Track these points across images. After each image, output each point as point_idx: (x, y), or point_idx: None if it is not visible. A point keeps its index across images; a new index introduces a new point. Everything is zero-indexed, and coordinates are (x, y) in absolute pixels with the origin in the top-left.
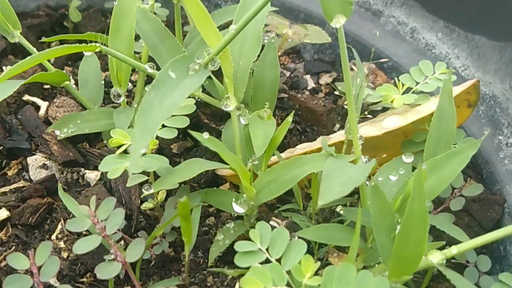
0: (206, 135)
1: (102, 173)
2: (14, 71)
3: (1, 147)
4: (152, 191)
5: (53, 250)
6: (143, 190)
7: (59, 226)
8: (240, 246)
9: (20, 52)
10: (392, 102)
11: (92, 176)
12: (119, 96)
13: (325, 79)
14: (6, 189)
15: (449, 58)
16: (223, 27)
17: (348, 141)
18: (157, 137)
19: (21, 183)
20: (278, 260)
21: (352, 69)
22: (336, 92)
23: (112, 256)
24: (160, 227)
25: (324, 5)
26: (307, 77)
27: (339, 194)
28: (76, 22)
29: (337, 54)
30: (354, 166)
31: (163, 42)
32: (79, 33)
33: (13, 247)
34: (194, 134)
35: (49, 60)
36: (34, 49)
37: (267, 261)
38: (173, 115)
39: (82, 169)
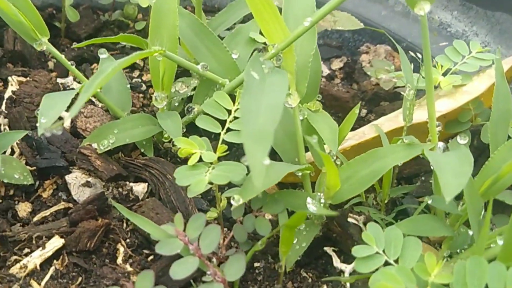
0: (314, 139)
1: (148, 185)
2: (100, 83)
3: (34, 168)
4: (242, 201)
5: (122, 275)
6: (232, 202)
7: (121, 249)
8: (358, 251)
9: (19, 59)
10: (439, 84)
11: (139, 189)
12: (163, 100)
13: (337, 64)
14: (46, 213)
15: (466, 36)
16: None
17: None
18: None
19: (61, 205)
20: (396, 261)
21: (367, 52)
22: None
23: (211, 277)
24: (262, 241)
25: None
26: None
27: (459, 187)
28: (68, 22)
29: (344, 38)
30: (457, 157)
31: (201, 39)
32: (73, 33)
33: (75, 278)
34: (307, 139)
35: (48, 66)
36: (62, 56)
37: (386, 263)
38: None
39: (127, 183)
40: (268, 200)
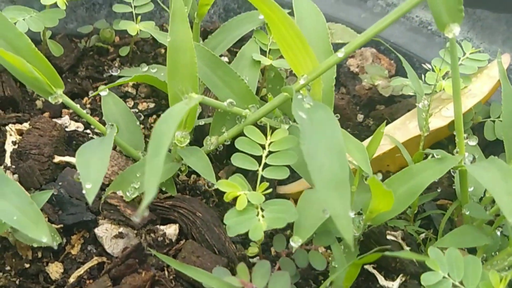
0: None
1: (179, 225)
2: (167, 144)
3: (60, 225)
4: (301, 242)
5: None
6: (291, 243)
7: None
8: (427, 279)
9: (9, 105)
10: (443, 89)
11: (171, 231)
12: (186, 138)
13: None
14: (80, 271)
15: None
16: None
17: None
18: None
19: (95, 260)
20: (461, 283)
21: (353, 56)
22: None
23: None
24: (330, 278)
25: (437, 15)
26: None
27: None
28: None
29: None
30: (498, 171)
31: (213, 69)
32: (54, 66)
33: None
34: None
35: (36, 106)
36: (78, 106)
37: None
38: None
39: (158, 226)
40: (318, 232)
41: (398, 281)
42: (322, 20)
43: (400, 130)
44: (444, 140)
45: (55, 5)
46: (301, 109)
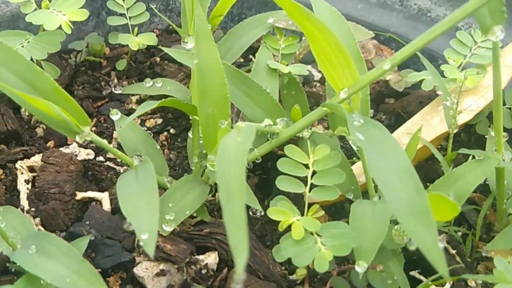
0: None
1: (218, 252)
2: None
3: (98, 270)
4: (366, 266)
5: None
6: (357, 269)
7: None
8: None
9: (12, 139)
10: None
11: (211, 260)
12: None
13: None
14: None
15: None
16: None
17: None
18: None
19: None
20: None
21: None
22: None
23: None
24: None
25: (480, 19)
26: (309, 67)
27: None
28: None
29: None
30: None
31: (236, 84)
32: None
33: None
34: None
35: (37, 134)
36: (105, 141)
37: None
38: None
39: (197, 257)
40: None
41: (448, 285)
42: (345, 26)
43: (423, 127)
44: None
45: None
46: (357, 129)
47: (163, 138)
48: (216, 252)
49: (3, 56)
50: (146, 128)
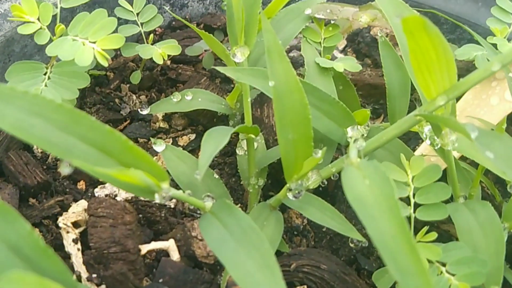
0: None
1: (307, 286)
2: None
3: None
4: None
5: None
6: None
7: None
8: None
9: (42, 190)
10: None
11: None
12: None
13: (340, 43)
14: None
15: None
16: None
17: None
18: None
19: None
20: None
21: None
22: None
23: None
24: None
25: None
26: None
27: None
28: None
29: None
30: None
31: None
32: None
33: None
34: None
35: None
36: (185, 194)
37: None
38: None
39: None
40: None
41: None
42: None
43: (481, 108)
44: None
45: None
46: (487, 149)
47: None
48: (304, 286)
49: (68, 120)
50: (181, 148)
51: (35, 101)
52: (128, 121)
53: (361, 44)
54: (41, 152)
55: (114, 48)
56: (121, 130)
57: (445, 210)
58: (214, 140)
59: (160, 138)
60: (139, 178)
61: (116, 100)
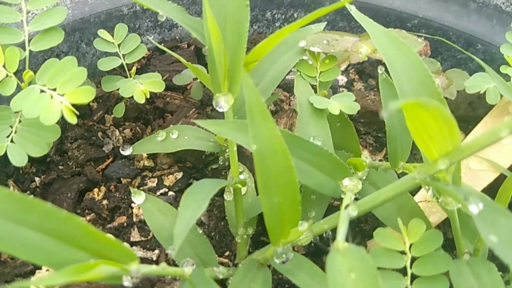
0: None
1: None
2: None
3: None
4: None
5: None
6: None
7: None
8: None
9: None
10: None
11: None
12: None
13: (342, 65)
14: None
15: None
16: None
17: None
18: None
19: None
20: None
21: None
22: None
23: None
24: None
25: None
26: None
27: None
28: None
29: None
30: None
31: (292, 151)
32: None
33: None
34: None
35: None
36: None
37: None
38: None
39: None
40: None
41: None
42: (414, 57)
43: (491, 148)
44: None
45: None
46: (491, 231)
47: None
48: None
49: (18, 210)
50: (167, 189)
51: None
52: (111, 159)
53: (365, 63)
54: None
55: (84, 102)
56: (103, 169)
57: (445, 284)
58: (194, 203)
59: (145, 176)
60: (100, 272)
61: (99, 134)
